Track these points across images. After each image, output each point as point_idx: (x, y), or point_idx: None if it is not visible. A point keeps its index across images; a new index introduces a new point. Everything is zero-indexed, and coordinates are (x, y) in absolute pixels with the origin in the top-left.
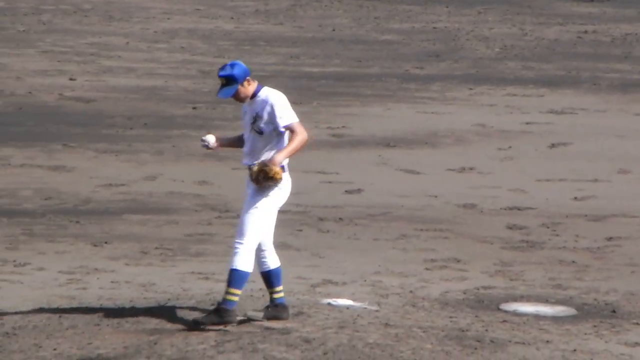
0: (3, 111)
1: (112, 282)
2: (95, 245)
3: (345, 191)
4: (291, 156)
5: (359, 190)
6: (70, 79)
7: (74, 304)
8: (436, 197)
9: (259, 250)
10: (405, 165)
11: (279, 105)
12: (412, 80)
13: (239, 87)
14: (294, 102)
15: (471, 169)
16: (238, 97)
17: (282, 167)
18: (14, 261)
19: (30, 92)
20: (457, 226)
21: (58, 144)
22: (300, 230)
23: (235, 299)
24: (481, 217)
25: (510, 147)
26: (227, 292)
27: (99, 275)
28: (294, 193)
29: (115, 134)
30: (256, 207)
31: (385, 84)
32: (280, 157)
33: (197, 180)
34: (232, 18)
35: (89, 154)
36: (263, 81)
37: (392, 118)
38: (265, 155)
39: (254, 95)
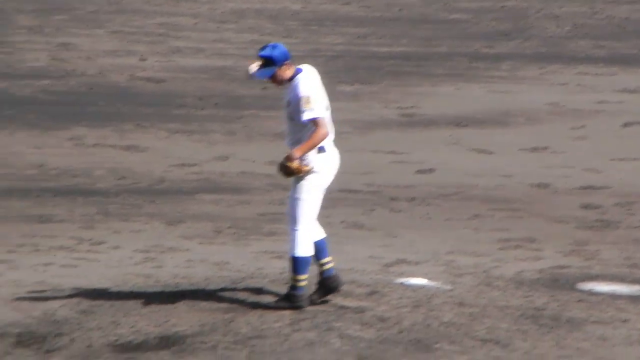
0: (75, 91)
1: (187, 260)
2: (169, 225)
3: (417, 171)
4: (308, 151)
5: (430, 170)
6: (141, 59)
7: (150, 282)
8: (509, 176)
9: None
10: (477, 145)
11: (304, 99)
12: (481, 59)
13: (277, 70)
14: (363, 82)
15: (544, 148)
16: (274, 80)
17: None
18: (90, 240)
19: (100, 73)
20: (530, 206)
21: (130, 124)
22: (373, 210)
23: (303, 283)
24: (555, 197)
25: (583, 126)
26: (294, 279)
27: (174, 254)
28: (365, 173)
29: (187, 114)
30: (300, 193)
31: (455, 63)
32: (296, 154)
33: (268, 160)
34: None
35: (161, 134)
36: (330, 62)
37: (462, 97)
38: (298, 139)
39: (291, 78)
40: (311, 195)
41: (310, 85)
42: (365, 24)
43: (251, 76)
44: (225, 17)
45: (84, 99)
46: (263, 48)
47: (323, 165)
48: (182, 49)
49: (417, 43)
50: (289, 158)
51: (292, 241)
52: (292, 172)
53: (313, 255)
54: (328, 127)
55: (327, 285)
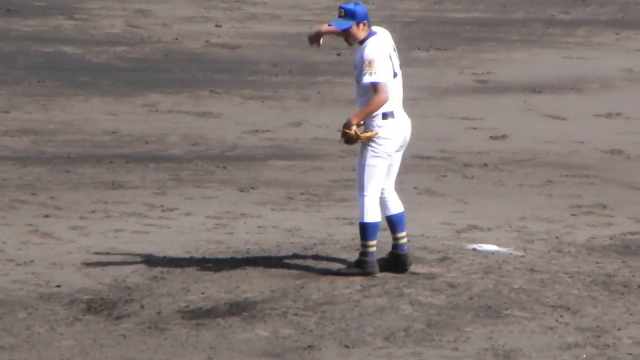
0: (151, 58)
1: (258, 227)
2: (241, 191)
3: (490, 137)
4: (366, 117)
5: (503, 136)
6: (216, 26)
7: (222, 249)
8: (582, 142)
9: (380, 196)
10: (551, 111)
11: (367, 62)
12: (557, 25)
13: (354, 25)
14: (438, 48)
15: (618, 114)
16: (348, 36)
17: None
18: (162, 206)
19: (176, 39)
20: (603, 172)
21: (205, 91)
22: (445, 176)
23: (373, 249)
24: (628, 163)
25: None
26: (363, 245)
27: (246, 220)
28: (438, 139)
29: (261, 80)
30: (365, 160)
31: (530, 29)
32: (354, 120)
33: (341, 127)
34: None
35: (235, 100)
36: (406, 27)
37: (537, 63)
38: (363, 104)
39: (362, 41)
40: (377, 161)
41: (377, 49)
42: None
43: (312, 40)
44: None
45: (159, 65)
46: (346, 2)
47: (390, 132)
48: (257, 15)
49: (493, 9)
50: (346, 124)
51: (360, 207)
52: (351, 139)
53: (388, 227)
54: (392, 93)
55: (396, 262)
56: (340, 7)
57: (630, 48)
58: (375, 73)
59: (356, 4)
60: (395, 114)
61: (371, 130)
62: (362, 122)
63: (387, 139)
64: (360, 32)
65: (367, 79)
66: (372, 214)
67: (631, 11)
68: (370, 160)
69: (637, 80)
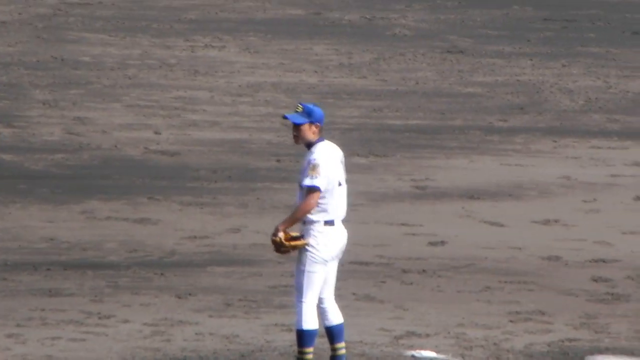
0: (89, 164)
1: (196, 334)
2: (179, 298)
3: (429, 243)
4: (293, 223)
5: (442, 242)
6: (155, 133)
7: (159, 356)
8: (520, 249)
9: (320, 305)
10: (489, 217)
11: (312, 165)
12: (495, 132)
13: (307, 124)
14: (377, 155)
15: (556, 221)
16: (298, 133)
17: (297, 236)
18: (99, 313)
19: (116, 146)
20: (541, 279)
21: (143, 197)
22: (384, 282)
23: (310, 357)
24: (566, 270)
25: (595, 199)
26: (300, 352)
27: (183, 327)
28: (377, 245)
29: (200, 186)
30: (303, 266)
31: (469, 136)
32: (281, 226)
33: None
34: (316, 71)
35: (174, 206)
36: (346, 134)
37: (475, 170)
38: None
39: (310, 145)
40: (315, 267)
41: (325, 154)
42: (380, 97)
43: (285, 116)
44: (241, 90)
45: (97, 172)
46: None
47: (329, 239)
48: (197, 122)
49: (432, 116)
50: (274, 232)
51: (297, 314)
52: (280, 247)
53: (327, 338)
54: (336, 201)
55: None
56: (300, 103)
57: (568, 155)
58: (316, 178)
59: (315, 105)
60: (335, 222)
61: (300, 239)
62: (297, 231)
63: (326, 245)
64: (310, 133)
65: (307, 182)
66: (310, 321)
67: (569, 119)
68: (309, 266)
69: (574, 187)
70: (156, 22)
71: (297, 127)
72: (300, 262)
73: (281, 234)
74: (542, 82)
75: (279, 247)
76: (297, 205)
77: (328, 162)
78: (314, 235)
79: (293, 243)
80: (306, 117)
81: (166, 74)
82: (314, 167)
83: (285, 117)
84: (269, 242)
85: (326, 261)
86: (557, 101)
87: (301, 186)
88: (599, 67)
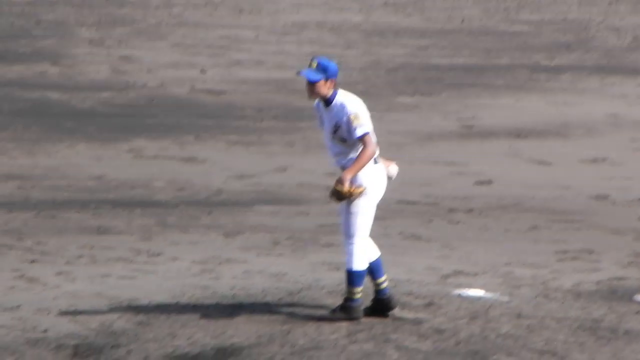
0: (136, 103)
1: (244, 272)
2: (227, 236)
3: (476, 182)
4: (359, 171)
5: (489, 181)
6: (201, 72)
7: (207, 294)
8: (568, 188)
9: None
10: (537, 156)
11: (353, 115)
12: (542, 71)
13: (322, 80)
14: (423, 94)
15: (603, 159)
16: (313, 89)
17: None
18: (148, 251)
19: (161, 85)
20: (589, 217)
21: (190, 136)
22: (431, 221)
23: (359, 295)
24: (614, 209)
25: None
26: (349, 292)
27: (232, 265)
28: (423, 184)
29: (246, 125)
30: (353, 207)
31: (515, 74)
32: (348, 176)
33: (326, 172)
34: (361, 10)
35: (220, 145)
36: (391, 73)
37: (522, 109)
38: (351, 159)
39: (329, 102)
40: (365, 209)
41: (355, 101)
42: (426, 35)
43: (300, 72)
44: (286, 29)
45: (144, 111)
46: (320, 57)
47: (375, 179)
48: (242, 61)
49: (478, 55)
50: (340, 182)
51: (347, 255)
52: (344, 196)
53: (368, 274)
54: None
55: (381, 306)
56: (314, 59)
57: (615, 94)
58: (363, 125)
59: (329, 60)
60: (377, 160)
61: (359, 186)
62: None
63: (379, 184)
64: (325, 88)
65: (360, 131)
66: (360, 262)
67: (616, 57)
68: (358, 208)
69: (622, 125)
70: None
71: (311, 83)
72: (352, 204)
73: (347, 184)
74: (589, 20)
75: (341, 196)
76: (342, 158)
77: (361, 106)
78: (367, 177)
79: (357, 190)
80: (322, 74)
81: (211, 12)
82: (356, 116)
83: (299, 74)
84: (316, 181)
85: (376, 200)
86: (604, 39)
87: (355, 138)
88: None
